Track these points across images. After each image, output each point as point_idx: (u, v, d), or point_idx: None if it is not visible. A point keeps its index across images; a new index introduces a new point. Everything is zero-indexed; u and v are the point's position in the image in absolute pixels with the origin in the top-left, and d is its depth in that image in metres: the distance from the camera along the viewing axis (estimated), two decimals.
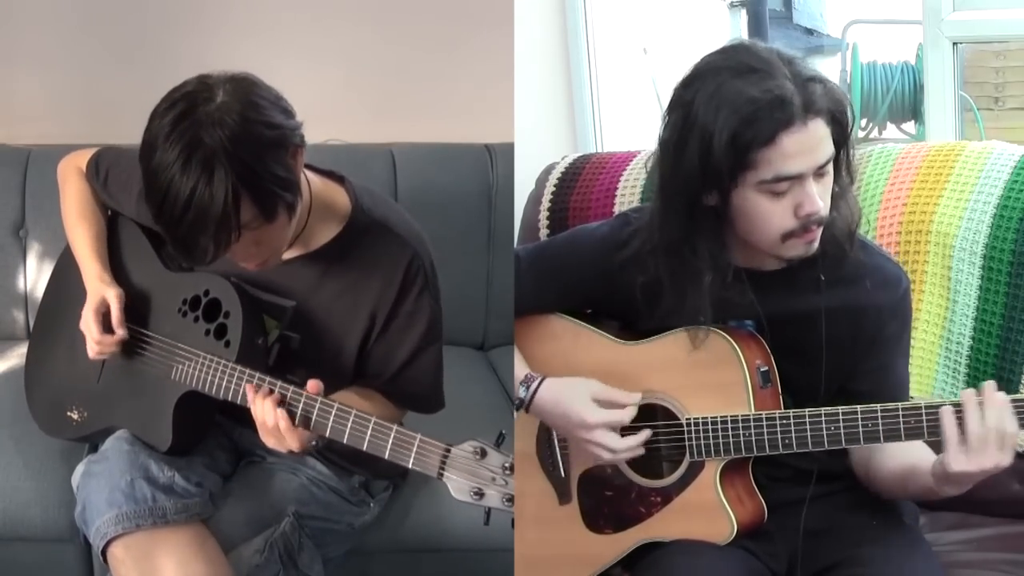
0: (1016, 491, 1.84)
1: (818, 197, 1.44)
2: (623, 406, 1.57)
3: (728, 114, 1.40)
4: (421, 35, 2.74)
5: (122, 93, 2.60)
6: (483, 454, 1.39)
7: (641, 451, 1.58)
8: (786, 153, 1.41)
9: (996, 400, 1.40)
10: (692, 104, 1.43)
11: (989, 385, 1.42)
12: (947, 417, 1.42)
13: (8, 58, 2.68)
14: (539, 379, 1.60)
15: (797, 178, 1.43)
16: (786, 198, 1.45)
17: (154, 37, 2.68)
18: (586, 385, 1.58)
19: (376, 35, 2.74)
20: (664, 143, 1.49)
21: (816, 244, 1.49)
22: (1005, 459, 1.41)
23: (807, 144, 1.42)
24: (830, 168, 1.46)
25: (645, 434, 1.57)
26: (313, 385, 1.54)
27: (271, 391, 1.55)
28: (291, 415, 1.54)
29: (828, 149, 1.44)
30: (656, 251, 1.54)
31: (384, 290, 1.69)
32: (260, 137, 1.49)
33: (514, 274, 1.70)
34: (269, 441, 1.57)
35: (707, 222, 1.49)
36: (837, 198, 1.50)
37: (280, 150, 1.52)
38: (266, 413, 1.54)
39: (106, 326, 1.75)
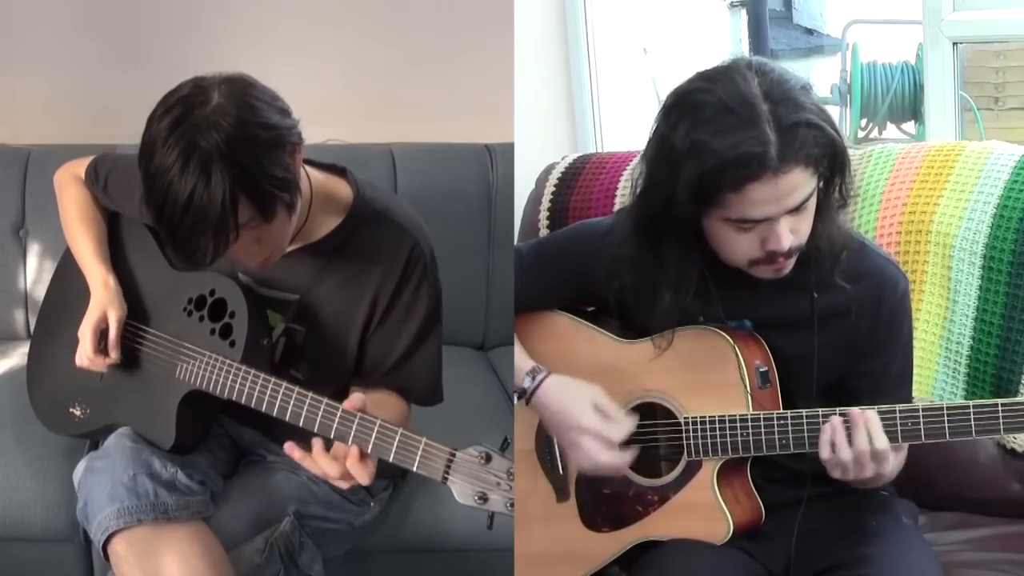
0: (1016, 491, 1.84)
1: (786, 234, 1.42)
2: (618, 422, 1.57)
3: (693, 165, 1.38)
4: (421, 36, 2.74)
5: (122, 94, 2.60)
6: (488, 459, 1.39)
7: (623, 471, 1.58)
8: (753, 200, 1.39)
9: (866, 418, 1.46)
10: (667, 138, 1.42)
11: (855, 411, 1.47)
12: (825, 432, 1.47)
13: (8, 58, 2.68)
14: (546, 373, 1.60)
15: (764, 219, 1.42)
16: (753, 232, 1.43)
17: (154, 38, 2.68)
18: (589, 390, 1.58)
19: (376, 36, 2.74)
20: (645, 163, 1.48)
21: (786, 271, 1.49)
22: (883, 468, 1.47)
23: (777, 193, 1.39)
24: (811, 202, 1.43)
25: (632, 453, 1.57)
26: (354, 402, 1.50)
27: (326, 448, 1.50)
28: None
29: (804, 192, 1.41)
30: (626, 262, 1.55)
31: (385, 278, 1.70)
32: (256, 139, 1.49)
33: (515, 269, 1.70)
34: (343, 484, 1.53)
35: (677, 243, 1.48)
36: (824, 218, 1.47)
37: (277, 150, 1.52)
38: (327, 466, 1.50)
39: (102, 342, 1.75)
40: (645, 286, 1.54)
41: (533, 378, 1.60)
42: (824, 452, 1.47)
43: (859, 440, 1.45)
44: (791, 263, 1.48)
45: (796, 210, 1.42)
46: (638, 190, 1.50)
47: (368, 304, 1.71)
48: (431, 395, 1.80)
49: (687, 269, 1.50)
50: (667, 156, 1.41)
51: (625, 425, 1.56)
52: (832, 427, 1.47)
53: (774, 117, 1.37)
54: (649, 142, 1.47)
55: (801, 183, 1.40)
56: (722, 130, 1.37)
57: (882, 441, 1.45)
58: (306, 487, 1.80)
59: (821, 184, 1.44)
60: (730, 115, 1.37)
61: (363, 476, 1.48)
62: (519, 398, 1.62)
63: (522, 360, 1.63)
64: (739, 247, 1.46)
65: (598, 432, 1.55)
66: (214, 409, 1.74)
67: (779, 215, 1.41)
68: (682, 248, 1.49)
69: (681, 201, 1.40)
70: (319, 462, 1.49)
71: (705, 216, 1.44)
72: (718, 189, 1.38)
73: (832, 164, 1.43)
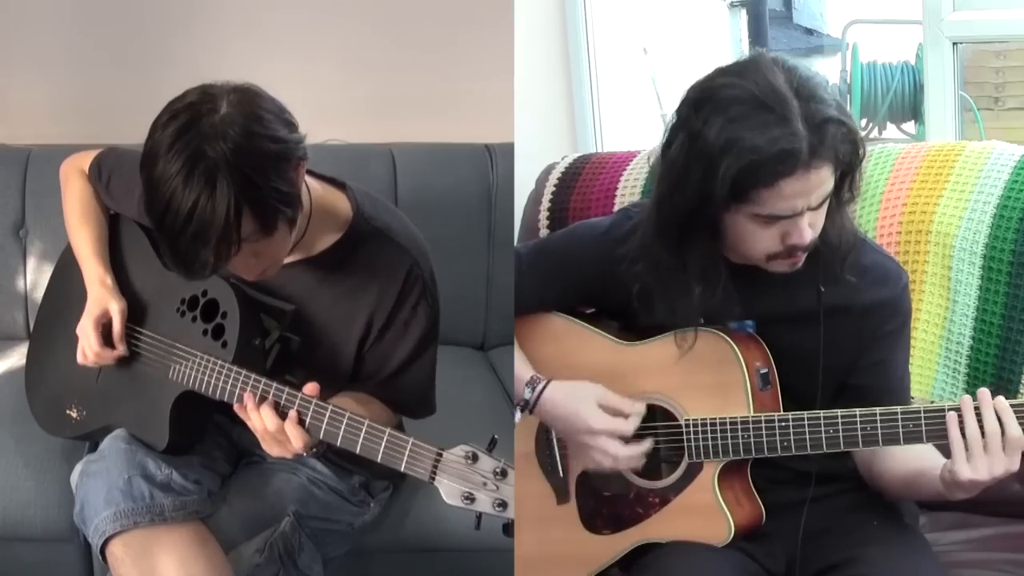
0: (1016, 491, 1.84)
1: (808, 228, 1.44)
2: (627, 415, 1.56)
3: (732, 160, 1.37)
4: (421, 35, 2.74)
5: (122, 93, 2.61)
6: (474, 459, 1.39)
7: (643, 461, 1.57)
8: (784, 195, 1.40)
9: (997, 405, 1.40)
10: (700, 134, 1.40)
11: (983, 392, 1.41)
12: (952, 424, 1.41)
13: (8, 58, 2.68)
14: (544, 381, 1.60)
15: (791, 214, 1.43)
16: (776, 226, 1.44)
17: (154, 38, 2.68)
18: (592, 390, 1.58)
19: (376, 35, 2.74)
20: (670, 161, 1.47)
21: (800, 264, 1.49)
22: (1013, 464, 1.41)
23: (806, 188, 1.40)
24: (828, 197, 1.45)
25: (647, 444, 1.57)
26: (311, 387, 1.54)
27: (265, 397, 1.54)
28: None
29: (828, 187, 1.43)
30: (648, 263, 1.54)
31: (382, 297, 1.69)
32: (263, 151, 1.48)
33: (515, 272, 1.70)
34: (273, 449, 1.56)
35: (701, 241, 1.48)
36: (836, 212, 1.48)
37: (283, 164, 1.51)
38: (266, 419, 1.54)
39: (106, 338, 1.75)
40: (665, 286, 1.53)
41: (533, 388, 1.60)
42: (953, 434, 1.40)
43: (988, 419, 1.39)
44: (804, 256, 1.49)
45: (816, 207, 1.43)
46: (663, 189, 1.49)
47: (365, 320, 1.70)
48: (421, 409, 1.80)
49: (713, 265, 1.50)
50: (700, 153, 1.41)
51: (634, 417, 1.56)
52: (963, 404, 1.41)
53: (804, 113, 1.38)
54: (674, 139, 1.45)
55: (827, 178, 1.41)
56: (759, 126, 1.37)
57: (1015, 428, 1.39)
58: (305, 488, 1.80)
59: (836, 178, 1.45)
60: (765, 111, 1.38)
61: (298, 441, 1.51)
62: (521, 410, 1.61)
63: (522, 369, 1.63)
64: (760, 242, 1.46)
65: (611, 430, 1.55)
66: (208, 410, 1.73)
67: (804, 210, 1.42)
68: (706, 245, 1.49)
69: (719, 197, 1.40)
70: (262, 415, 1.52)
71: (728, 212, 1.44)
72: (751, 185, 1.39)
73: (851, 160, 1.43)
